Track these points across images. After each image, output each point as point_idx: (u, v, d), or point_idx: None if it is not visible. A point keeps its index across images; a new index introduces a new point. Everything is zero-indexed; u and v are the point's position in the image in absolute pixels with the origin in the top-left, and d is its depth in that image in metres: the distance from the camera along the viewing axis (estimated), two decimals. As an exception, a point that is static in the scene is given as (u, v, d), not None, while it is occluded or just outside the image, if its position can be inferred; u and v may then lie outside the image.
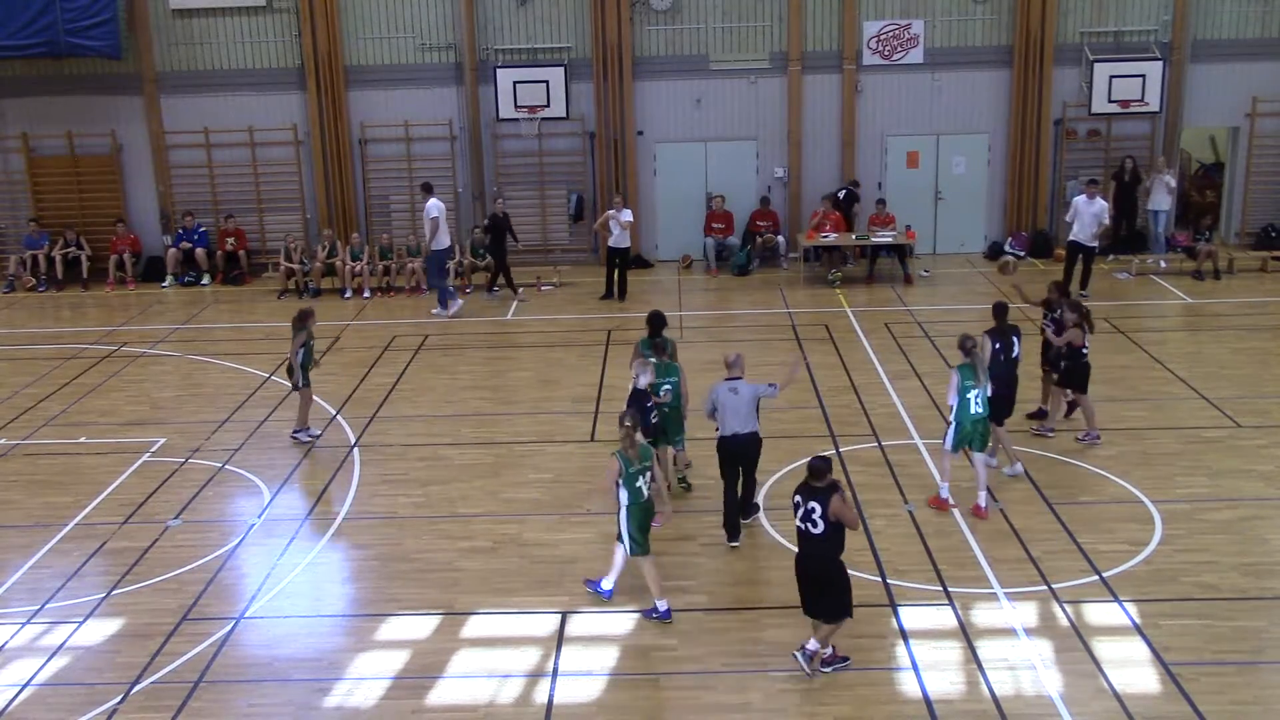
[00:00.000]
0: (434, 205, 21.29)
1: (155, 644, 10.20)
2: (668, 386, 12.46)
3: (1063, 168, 24.71)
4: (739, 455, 11.83)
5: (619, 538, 10.55)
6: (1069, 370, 14.05)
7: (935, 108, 24.56)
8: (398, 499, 13.24)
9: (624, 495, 10.34)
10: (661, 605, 10.46)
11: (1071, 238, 21.37)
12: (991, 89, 24.46)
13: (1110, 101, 23.68)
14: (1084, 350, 13.95)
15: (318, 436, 15.12)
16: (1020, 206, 24.65)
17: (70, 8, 23.16)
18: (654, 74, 24.47)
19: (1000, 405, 13.02)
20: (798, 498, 9.39)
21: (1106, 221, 21.42)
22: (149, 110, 24.84)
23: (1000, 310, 13.44)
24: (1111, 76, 23.57)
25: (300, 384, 14.98)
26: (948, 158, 24.91)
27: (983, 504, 12.24)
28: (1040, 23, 23.76)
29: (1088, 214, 21.05)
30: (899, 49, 24.23)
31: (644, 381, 11.97)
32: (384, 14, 24.38)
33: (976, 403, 12.22)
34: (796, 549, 9.62)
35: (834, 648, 9.62)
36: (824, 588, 9.43)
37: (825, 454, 9.79)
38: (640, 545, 10.45)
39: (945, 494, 12.49)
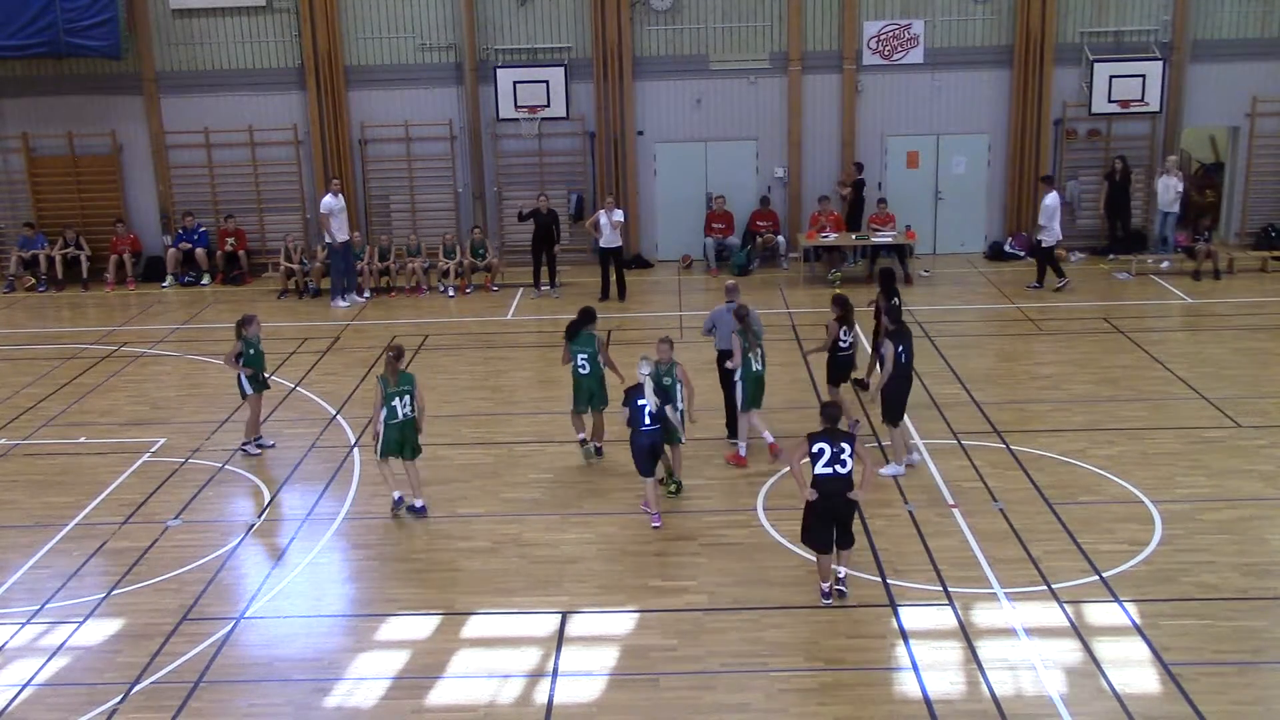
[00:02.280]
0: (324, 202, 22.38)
1: (155, 644, 10.19)
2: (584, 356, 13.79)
3: (1063, 168, 24.71)
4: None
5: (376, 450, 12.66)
6: (830, 364, 14.61)
7: (935, 108, 24.56)
8: (398, 499, 13.25)
9: (384, 413, 12.35)
10: (418, 502, 12.65)
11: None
12: (991, 89, 24.46)
13: (1110, 101, 23.69)
14: (841, 345, 14.49)
15: (270, 446, 14.82)
16: (1020, 207, 24.63)
17: (70, 8, 23.15)
18: (654, 74, 24.48)
19: (898, 406, 13.37)
20: (822, 444, 10.24)
21: (1044, 220, 21.79)
22: (149, 110, 24.85)
23: (898, 313, 14.02)
24: (1111, 76, 23.57)
25: (247, 391, 14.54)
26: (948, 158, 24.91)
27: (742, 453, 13.85)
28: (1040, 23, 23.76)
29: (1040, 208, 21.87)
30: (899, 49, 24.23)
31: (646, 370, 12.40)
32: (384, 14, 24.38)
33: (756, 361, 13.69)
34: (818, 494, 10.31)
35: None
36: (846, 521, 10.45)
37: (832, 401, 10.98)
38: (389, 449, 12.53)
39: (743, 450, 13.88)
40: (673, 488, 13.01)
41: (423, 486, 12.87)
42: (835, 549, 10.54)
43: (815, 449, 10.29)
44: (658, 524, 12.20)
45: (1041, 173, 23.68)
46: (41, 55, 23.86)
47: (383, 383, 12.46)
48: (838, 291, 14.86)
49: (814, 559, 10.73)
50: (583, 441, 14.20)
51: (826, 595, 10.52)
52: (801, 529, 10.64)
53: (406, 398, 12.53)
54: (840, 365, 14.67)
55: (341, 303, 22.42)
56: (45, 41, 23.38)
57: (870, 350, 15.58)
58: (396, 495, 12.72)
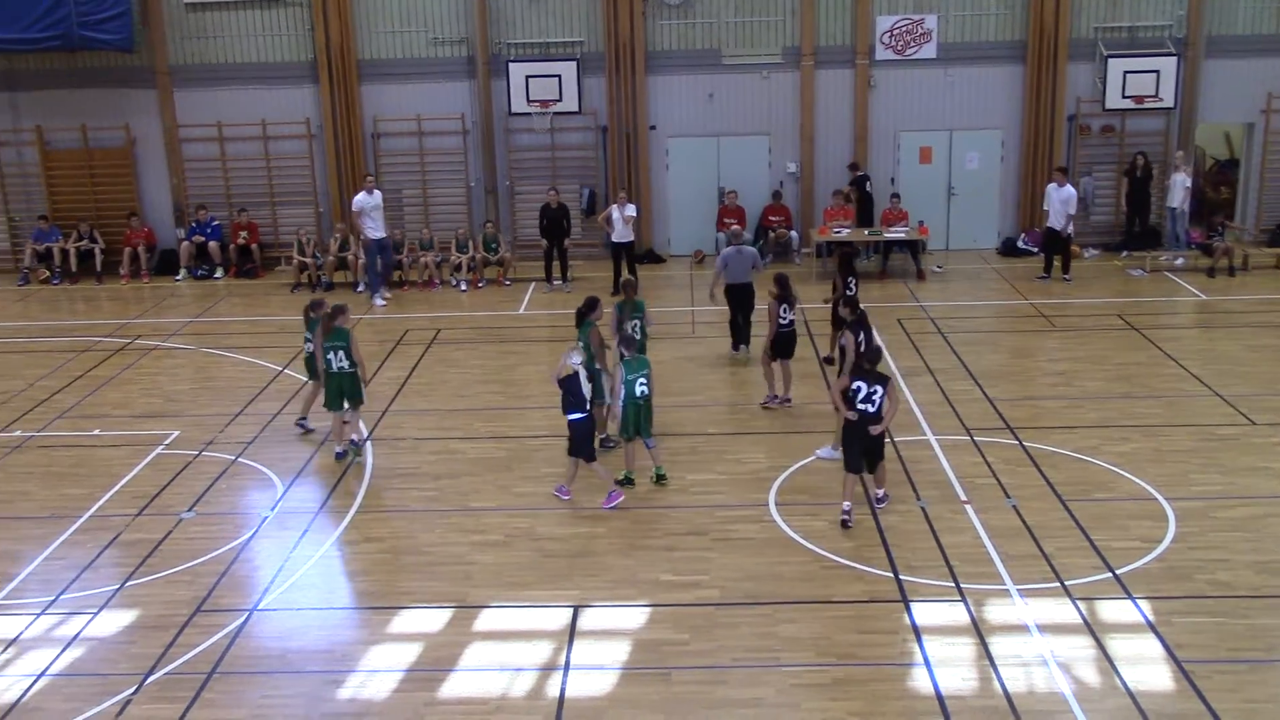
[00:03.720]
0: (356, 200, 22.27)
1: (169, 635, 10.22)
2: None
3: (1076, 163, 24.64)
4: (740, 297, 17.49)
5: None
6: (773, 340, 15.53)
7: (948, 103, 24.52)
8: (410, 492, 13.27)
9: (322, 365, 14.06)
10: (354, 436, 14.35)
11: (1046, 225, 22.37)
12: (1005, 84, 24.40)
13: (1124, 97, 23.65)
14: (781, 321, 15.40)
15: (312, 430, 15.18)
16: (1033, 202, 24.52)
17: (83, 1, 23.20)
18: (666, 68, 24.47)
19: None
20: (859, 384, 11.82)
21: (1073, 210, 22.01)
22: (163, 103, 24.92)
23: (856, 302, 14.32)
24: (1126, 72, 23.52)
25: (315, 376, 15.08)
26: (961, 153, 24.87)
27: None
28: (1054, 18, 23.71)
29: (1056, 200, 21.92)
30: (912, 44, 24.18)
31: (576, 360, 12.72)
32: (396, 7, 24.41)
33: (634, 332, 14.52)
34: (852, 423, 11.91)
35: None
36: (873, 449, 12.06)
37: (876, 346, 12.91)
38: (331, 401, 14.09)
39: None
40: (630, 475, 13.18)
41: (358, 433, 14.58)
42: (867, 471, 12.31)
43: (854, 386, 11.83)
44: (568, 497, 12.84)
45: (1059, 165, 23.49)
46: (54, 49, 23.92)
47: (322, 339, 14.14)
48: (779, 271, 16.31)
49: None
50: (604, 439, 14.26)
51: (846, 513, 11.95)
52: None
53: (340, 352, 13.99)
54: (781, 340, 15.51)
55: (380, 300, 22.09)
56: (58, 35, 23.43)
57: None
58: (339, 450, 14.14)
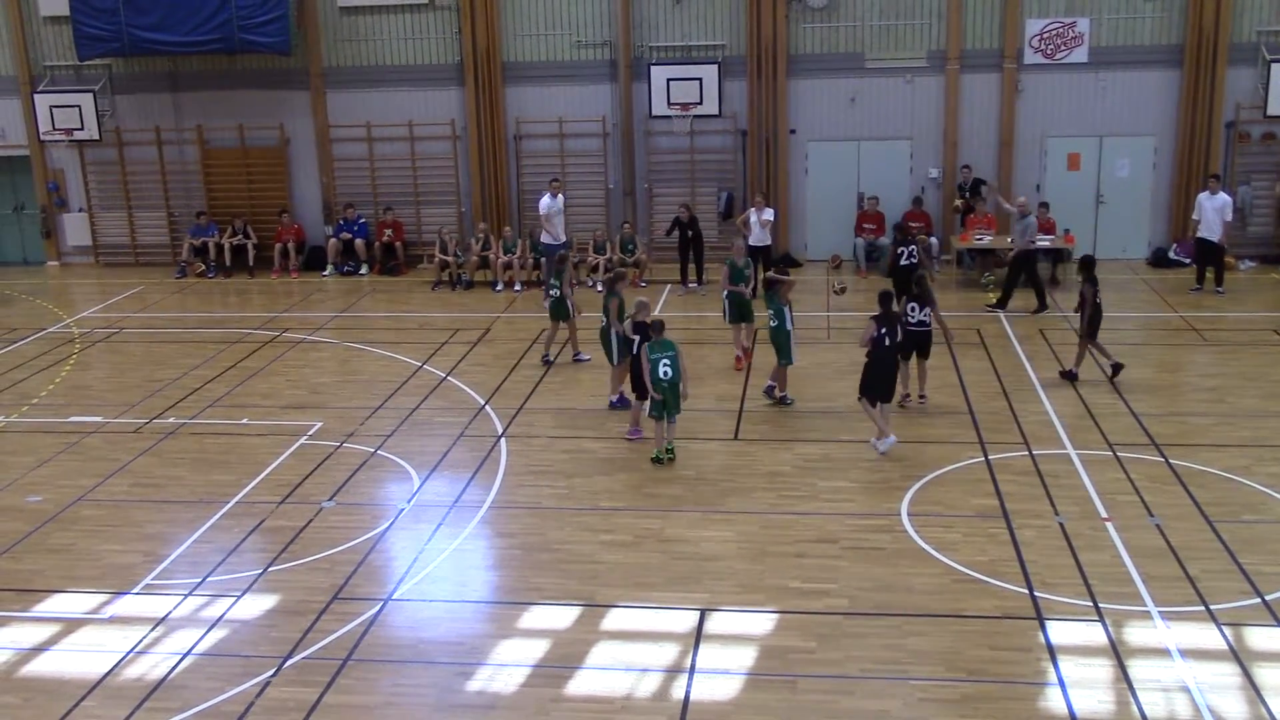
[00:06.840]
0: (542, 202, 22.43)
1: (307, 621, 10.53)
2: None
3: (1234, 172, 23.72)
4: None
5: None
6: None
7: (1099, 108, 23.86)
8: (542, 489, 13.43)
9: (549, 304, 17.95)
10: (581, 354, 17.99)
11: (1198, 235, 21.58)
12: (1159, 89, 23.63)
13: (1288, 103, 22.69)
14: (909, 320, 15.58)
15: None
16: (1186, 212, 23.61)
17: (243, 5, 24.14)
18: (808, 72, 24.31)
19: (885, 386, 14.15)
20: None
21: (1229, 217, 21.35)
22: (315, 105, 25.71)
23: (885, 298, 14.46)
24: (1290, 77, 22.57)
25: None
26: (1111, 160, 24.16)
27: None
28: (1214, 21, 22.87)
29: (1210, 209, 21.19)
30: (1062, 48, 23.58)
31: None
32: (542, 11, 24.75)
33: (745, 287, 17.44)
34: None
35: None
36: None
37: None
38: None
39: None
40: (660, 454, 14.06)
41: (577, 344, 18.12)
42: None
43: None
44: (634, 437, 14.65)
45: (1213, 174, 22.60)
46: (216, 51, 24.92)
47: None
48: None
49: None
50: (769, 390, 16.09)
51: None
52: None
53: (557, 288, 17.93)
54: (908, 339, 15.30)
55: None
56: (220, 38, 24.44)
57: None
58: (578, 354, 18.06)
